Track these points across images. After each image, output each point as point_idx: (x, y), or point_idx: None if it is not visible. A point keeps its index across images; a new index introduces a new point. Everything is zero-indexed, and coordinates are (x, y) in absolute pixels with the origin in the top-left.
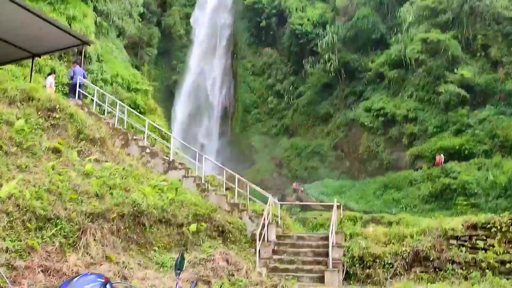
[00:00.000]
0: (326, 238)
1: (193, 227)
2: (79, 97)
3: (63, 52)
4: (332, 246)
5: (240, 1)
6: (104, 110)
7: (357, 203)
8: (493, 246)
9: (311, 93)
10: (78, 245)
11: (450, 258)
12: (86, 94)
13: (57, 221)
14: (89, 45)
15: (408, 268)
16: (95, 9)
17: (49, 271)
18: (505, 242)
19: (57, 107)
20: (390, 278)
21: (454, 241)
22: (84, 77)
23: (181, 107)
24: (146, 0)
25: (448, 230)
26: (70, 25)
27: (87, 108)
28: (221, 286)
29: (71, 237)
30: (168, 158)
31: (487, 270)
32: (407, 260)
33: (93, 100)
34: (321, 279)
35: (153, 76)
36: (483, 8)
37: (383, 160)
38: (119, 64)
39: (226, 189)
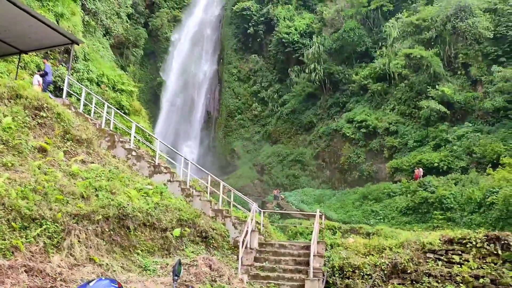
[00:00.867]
0: (308, 247)
1: (176, 231)
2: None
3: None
4: (313, 255)
5: (228, 7)
6: (90, 110)
7: (336, 213)
8: (468, 261)
9: (295, 101)
10: (62, 246)
11: (426, 271)
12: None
13: (42, 221)
14: (78, 45)
15: (387, 279)
16: (83, 7)
17: (32, 271)
18: (479, 257)
19: (44, 106)
20: None
21: (431, 255)
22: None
23: (164, 110)
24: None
25: (426, 244)
26: (58, 22)
27: (74, 108)
28: None
29: (55, 237)
30: (153, 162)
31: (461, 285)
32: (385, 272)
33: (79, 100)
34: None
35: (138, 77)
36: (465, 28)
37: (363, 171)
38: (105, 64)
39: (209, 193)
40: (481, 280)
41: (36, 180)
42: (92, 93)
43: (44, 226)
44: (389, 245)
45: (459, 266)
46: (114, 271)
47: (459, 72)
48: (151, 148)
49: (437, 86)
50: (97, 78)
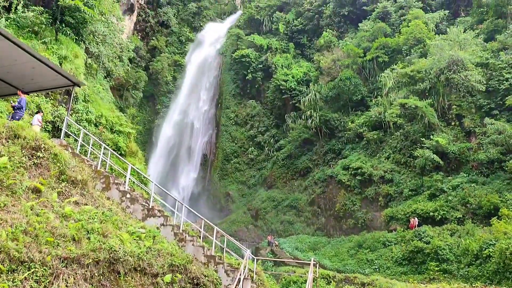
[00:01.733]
0: None
1: (167, 277)
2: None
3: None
4: None
5: (228, 53)
6: (87, 151)
7: (331, 261)
8: None
9: (291, 147)
10: None
11: None
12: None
13: (31, 264)
14: (79, 87)
15: None
16: (86, 50)
17: None
18: None
19: (42, 146)
20: None
21: None
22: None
23: (161, 152)
24: (136, 45)
25: None
26: (60, 64)
27: (71, 149)
28: None
29: (43, 281)
30: (147, 205)
31: None
32: None
33: (77, 140)
34: None
35: (137, 119)
36: (458, 80)
37: (359, 219)
38: (105, 105)
39: (202, 238)
40: None
41: (27, 221)
42: (89, 134)
43: (32, 270)
44: None
45: None
46: None
47: (452, 123)
48: (145, 190)
49: (431, 136)
50: (95, 119)
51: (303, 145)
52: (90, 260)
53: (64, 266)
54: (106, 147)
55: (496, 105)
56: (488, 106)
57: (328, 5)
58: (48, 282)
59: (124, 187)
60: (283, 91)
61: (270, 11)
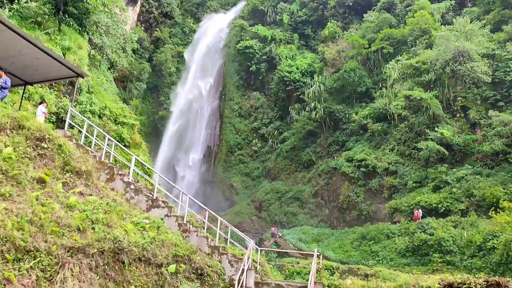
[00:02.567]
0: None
1: (172, 268)
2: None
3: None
4: None
5: (232, 45)
6: (91, 142)
7: (334, 253)
8: None
9: (295, 139)
10: (55, 279)
11: None
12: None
13: (36, 254)
14: (83, 78)
15: None
16: (90, 41)
17: None
18: None
19: (46, 137)
20: None
21: None
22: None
23: (165, 143)
24: (140, 36)
25: (425, 287)
26: (64, 55)
27: (75, 140)
28: None
29: (49, 270)
30: (151, 196)
31: None
32: None
33: (81, 132)
34: None
35: (140, 110)
36: (464, 72)
37: (362, 211)
38: (108, 96)
39: (206, 229)
40: None
41: (33, 211)
42: (93, 125)
43: (38, 259)
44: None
45: None
46: None
47: (458, 115)
48: (149, 181)
49: (436, 128)
50: (99, 110)
51: (307, 137)
52: (95, 250)
53: (69, 256)
54: (110, 138)
55: (502, 97)
56: (494, 97)
57: None
58: (53, 271)
59: (128, 178)
60: (287, 83)
61: (274, 1)
